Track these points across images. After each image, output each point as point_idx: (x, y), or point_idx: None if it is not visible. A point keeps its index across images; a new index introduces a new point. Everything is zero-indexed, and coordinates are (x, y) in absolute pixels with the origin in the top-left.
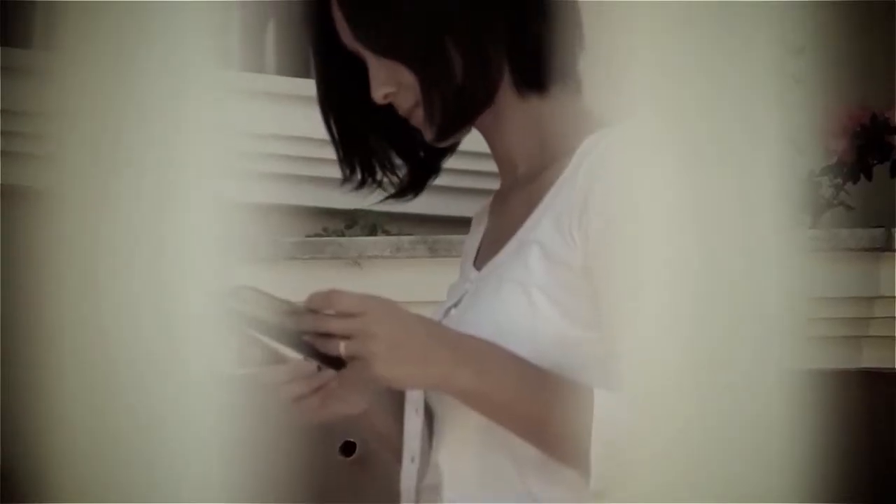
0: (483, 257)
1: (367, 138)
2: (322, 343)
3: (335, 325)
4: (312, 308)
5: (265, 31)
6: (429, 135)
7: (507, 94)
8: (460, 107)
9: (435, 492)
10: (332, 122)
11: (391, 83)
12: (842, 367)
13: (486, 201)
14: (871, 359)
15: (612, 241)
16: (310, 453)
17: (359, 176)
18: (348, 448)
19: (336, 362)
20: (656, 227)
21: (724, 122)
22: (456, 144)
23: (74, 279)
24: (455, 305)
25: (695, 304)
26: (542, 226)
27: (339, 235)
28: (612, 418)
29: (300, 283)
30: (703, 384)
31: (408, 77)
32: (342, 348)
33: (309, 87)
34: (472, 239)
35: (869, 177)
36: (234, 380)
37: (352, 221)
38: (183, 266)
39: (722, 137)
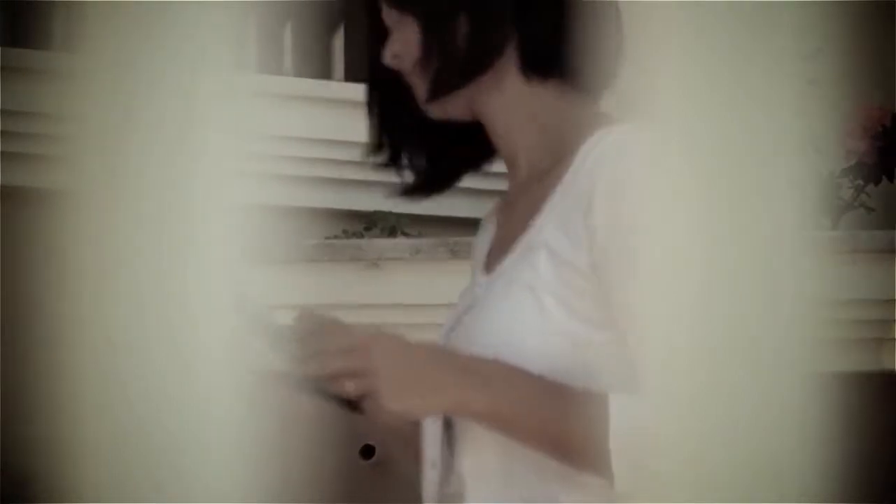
0: (492, 261)
1: (403, 123)
2: (333, 385)
3: (337, 366)
4: (315, 350)
5: (283, 34)
6: (421, 93)
7: (515, 85)
8: (456, 67)
9: (459, 499)
10: (374, 97)
11: (400, 43)
12: (863, 370)
13: (493, 204)
14: (892, 361)
15: (619, 240)
16: (329, 456)
17: (385, 156)
18: (368, 451)
19: (353, 405)
20: (669, 229)
21: (743, 124)
22: (479, 162)
23: (90, 280)
24: (467, 311)
25: (713, 306)
26: (549, 227)
27: (358, 237)
28: (628, 421)
29: (319, 286)
30: (722, 387)
31: (413, 34)
32: (348, 387)
33: (326, 88)
34: (482, 242)
35: (891, 178)
36: (254, 384)
37: (371, 223)
38: (201, 268)
39: (741, 139)
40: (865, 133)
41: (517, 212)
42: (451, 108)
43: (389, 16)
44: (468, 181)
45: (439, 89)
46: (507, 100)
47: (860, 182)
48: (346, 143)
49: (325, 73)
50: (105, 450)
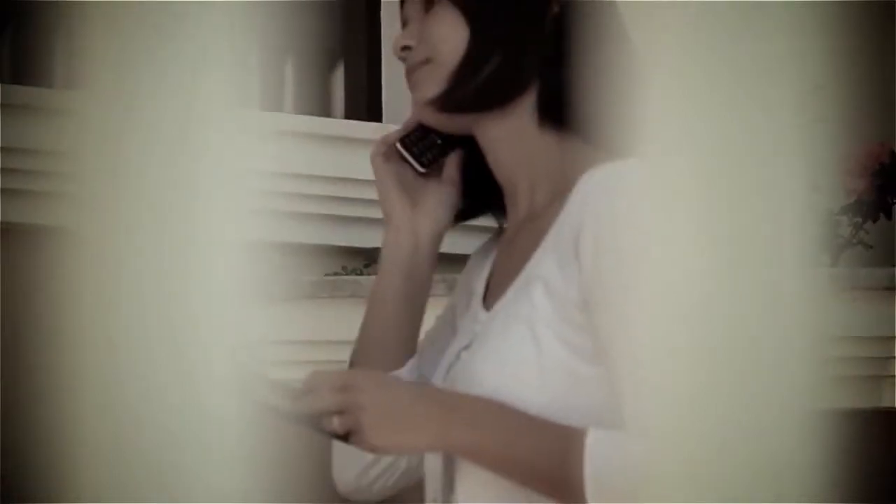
0: (492, 298)
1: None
2: (323, 422)
3: (326, 403)
4: (308, 388)
5: (284, 70)
6: (424, 93)
7: (526, 127)
8: (483, 87)
9: None
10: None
11: (414, 38)
12: (862, 407)
13: (485, 240)
14: (891, 398)
15: (605, 276)
16: (329, 457)
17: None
18: None
19: (344, 437)
20: (663, 266)
21: (742, 160)
22: (485, 208)
23: (94, 317)
24: (466, 348)
25: (710, 344)
26: (545, 262)
27: (357, 274)
28: (605, 456)
29: (319, 322)
30: (720, 424)
31: (435, 30)
32: (335, 423)
33: (327, 126)
34: (476, 278)
35: (889, 215)
36: (254, 415)
37: (370, 260)
38: (202, 304)
39: (741, 175)
40: (864, 170)
41: (516, 249)
42: (449, 123)
43: (414, 6)
44: None
45: (454, 98)
46: (514, 139)
47: (859, 219)
48: (345, 181)
49: (325, 111)
50: (105, 450)
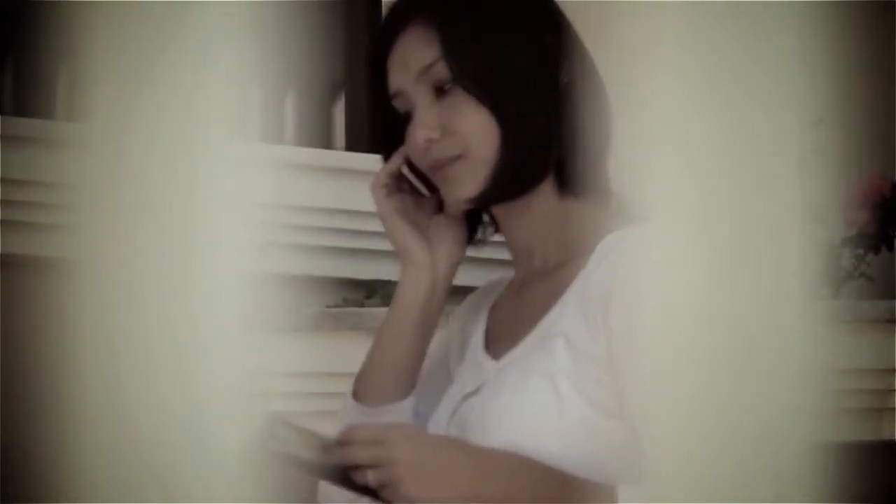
0: (500, 347)
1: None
2: (355, 474)
3: (360, 456)
4: (342, 441)
5: (284, 103)
6: (460, 189)
7: (546, 197)
8: (519, 175)
9: None
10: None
11: (437, 130)
12: (863, 440)
13: (484, 286)
14: (892, 430)
15: (633, 331)
16: None
17: None
18: None
19: (372, 492)
20: (677, 312)
21: (744, 194)
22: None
23: (96, 351)
24: (473, 394)
25: (717, 382)
26: (567, 318)
27: (358, 306)
28: None
29: (320, 354)
30: (725, 465)
31: (462, 125)
32: (369, 477)
33: (328, 158)
34: (471, 323)
35: (890, 248)
36: (258, 453)
37: (371, 292)
38: (204, 337)
39: (743, 209)
40: (866, 203)
41: (527, 301)
42: (489, 203)
43: (420, 92)
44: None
45: (494, 195)
46: (534, 211)
47: (860, 252)
48: (346, 212)
49: (326, 143)
50: (105, 450)
